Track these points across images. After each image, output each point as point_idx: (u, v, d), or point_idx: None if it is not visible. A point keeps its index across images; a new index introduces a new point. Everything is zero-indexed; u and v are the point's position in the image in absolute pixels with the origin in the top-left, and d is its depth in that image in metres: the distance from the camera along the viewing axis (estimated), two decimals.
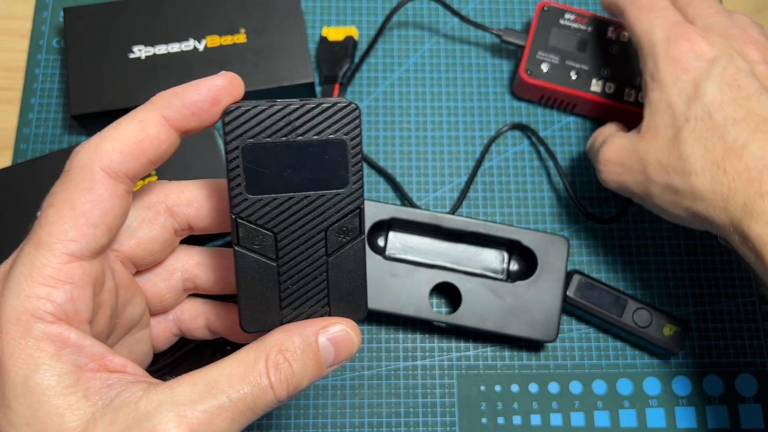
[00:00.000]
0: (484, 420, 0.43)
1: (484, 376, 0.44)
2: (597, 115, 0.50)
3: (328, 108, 0.25)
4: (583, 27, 0.49)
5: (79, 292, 0.24)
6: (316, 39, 0.52)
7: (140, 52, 0.47)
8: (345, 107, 0.25)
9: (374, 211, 0.43)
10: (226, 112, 0.25)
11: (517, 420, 0.44)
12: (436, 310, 0.46)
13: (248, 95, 0.45)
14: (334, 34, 0.51)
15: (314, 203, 0.26)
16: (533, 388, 0.44)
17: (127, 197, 0.26)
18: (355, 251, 0.27)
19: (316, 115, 0.25)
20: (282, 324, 0.27)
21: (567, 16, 0.49)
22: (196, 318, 0.32)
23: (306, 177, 0.26)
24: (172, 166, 0.43)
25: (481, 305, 0.42)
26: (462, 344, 0.45)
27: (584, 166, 0.49)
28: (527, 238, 0.43)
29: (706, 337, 0.46)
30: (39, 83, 0.50)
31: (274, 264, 0.26)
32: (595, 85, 0.48)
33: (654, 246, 0.47)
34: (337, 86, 0.49)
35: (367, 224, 0.43)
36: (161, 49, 0.47)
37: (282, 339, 0.26)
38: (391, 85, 0.51)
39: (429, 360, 0.45)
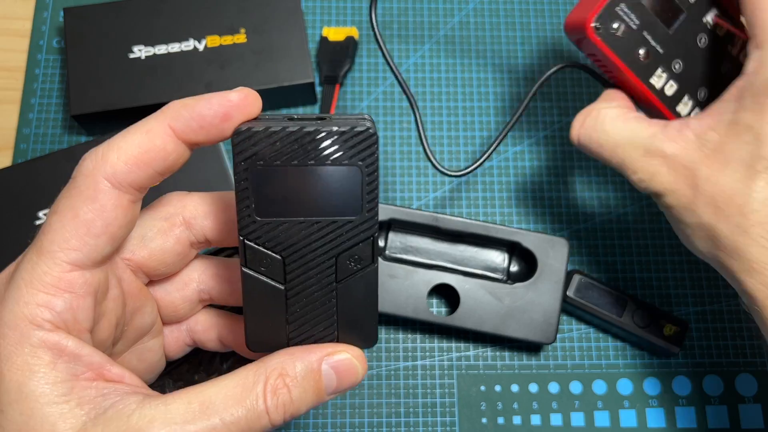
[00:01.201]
0: (484, 420, 0.43)
1: (484, 376, 0.44)
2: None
3: (344, 133, 0.24)
4: None
5: (80, 302, 0.24)
6: (316, 39, 0.52)
7: (140, 52, 0.47)
8: (361, 133, 0.24)
9: None
10: (236, 133, 0.24)
11: (517, 420, 0.44)
12: (435, 311, 0.46)
13: None
14: (335, 34, 0.51)
15: (325, 229, 0.25)
16: (533, 388, 0.44)
17: (133, 207, 0.25)
18: (367, 280, 0.26)
19: (331, 141, 0.24)
20: (288, 345, 0.26)
21: None
22: (209, 330, 0.32)
23: (317, 202, 0.25)
24: (175, 177, 0.44)
25: (479, 307, 0.42)
26: (462, 344, 0.45)
27: (584, 166, 0.49)
28: (527, 240, 0.43)
29: (706, 337, 0.46)
30: (39, 83, 0.50)
31: (282, 287, 0.26)
32: (657, 78, 0.38)
33: (654, 246, 0.47)
34: (337, 87, 0.49)
35: None
36: (161, 49, 0.47)
37: (284, 362, 0.25)
38: (391, 85, 0.51)
39: (429, 360, 0.45)
